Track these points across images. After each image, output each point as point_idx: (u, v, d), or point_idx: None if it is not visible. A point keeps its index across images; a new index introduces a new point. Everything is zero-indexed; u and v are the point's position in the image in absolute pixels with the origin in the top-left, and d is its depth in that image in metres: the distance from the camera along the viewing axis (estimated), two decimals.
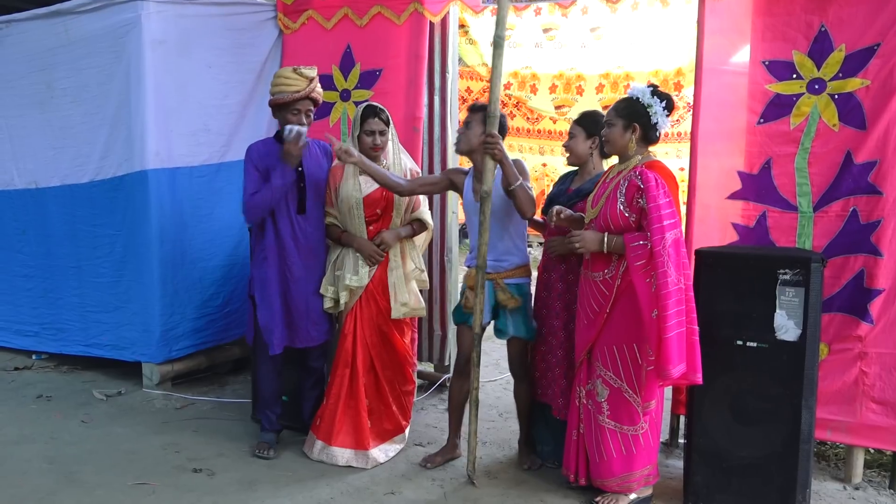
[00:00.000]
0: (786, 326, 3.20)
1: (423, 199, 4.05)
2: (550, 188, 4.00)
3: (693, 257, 3.44)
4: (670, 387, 3.54)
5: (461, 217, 4.65)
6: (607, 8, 4.51)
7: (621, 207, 3.18)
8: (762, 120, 3.74)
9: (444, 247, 4.79)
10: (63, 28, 4.85)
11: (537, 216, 3.80)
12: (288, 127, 3.71)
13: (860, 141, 3.53)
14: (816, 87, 3.61)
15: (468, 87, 6.88)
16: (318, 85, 3.89)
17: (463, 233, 5.67)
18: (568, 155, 3.72)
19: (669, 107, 3.25)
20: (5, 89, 5.23)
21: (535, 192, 3.65)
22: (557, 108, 6.77)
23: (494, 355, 5.70)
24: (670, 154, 6.24)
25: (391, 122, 3.91)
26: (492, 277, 3.66)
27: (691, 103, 4.07)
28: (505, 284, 3.66)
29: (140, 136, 4.59)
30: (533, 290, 3.82)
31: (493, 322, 3.74)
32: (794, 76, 3.66)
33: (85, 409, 4.54)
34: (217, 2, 4.81)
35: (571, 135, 3.68)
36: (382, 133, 3.84)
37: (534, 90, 6.81)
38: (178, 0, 4.65)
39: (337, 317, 4.11)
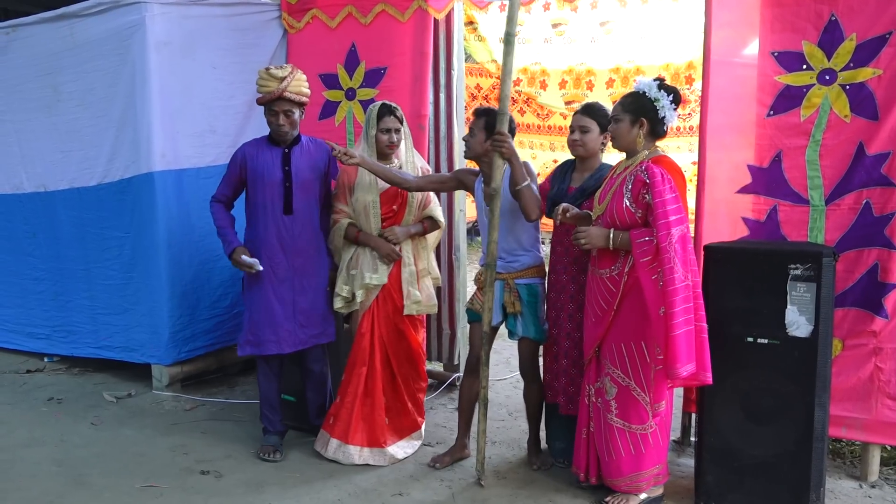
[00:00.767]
0: (797, 322, 3.14)
1: (433, 197, 4.03)
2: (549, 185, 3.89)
3: (701, 253, 3.39)
4: (682, 387, 3.48)
5: (469, 215, 4.63)
6: (617, 1, 4.48)
7: (627, 203, 3.14)
8: (772, 112, 3.66)
9: (453, 245, 4.76)
10: (69, 31, 4.86)
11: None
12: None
13: (872, 132, 3.46)
14: (827, 77, 3.54)
15: (478, 84, 6.83)
16: (297, 83, 3.78)
17: (475, 230, 5.64)
18: (579, 147, 3.60)
19: (677, 100, 3.20)
20: (13, 93, 5.26)
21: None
22: (567, 103, 6.71)
23: (505, 353, 5.66)
24: (683, 148, 6.15)
25: (405, 120, 3.90)
26: (503, 277, 3.63)
27: None
28: (515, 285, 3.63)
29: (146, 138, 4.60)
30: None
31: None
32: (805, 67, 3.58)
33: (95, 411, 4.56)
34: (221, 2, 4.81)
35: (585, 128, 3.56)
36: (398, 131, 3.83)
37: (543, 86, 6.74)
38: (182, 1, 4.65)
39: (347, 317, 4.09)
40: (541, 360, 3.81)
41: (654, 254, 3.01)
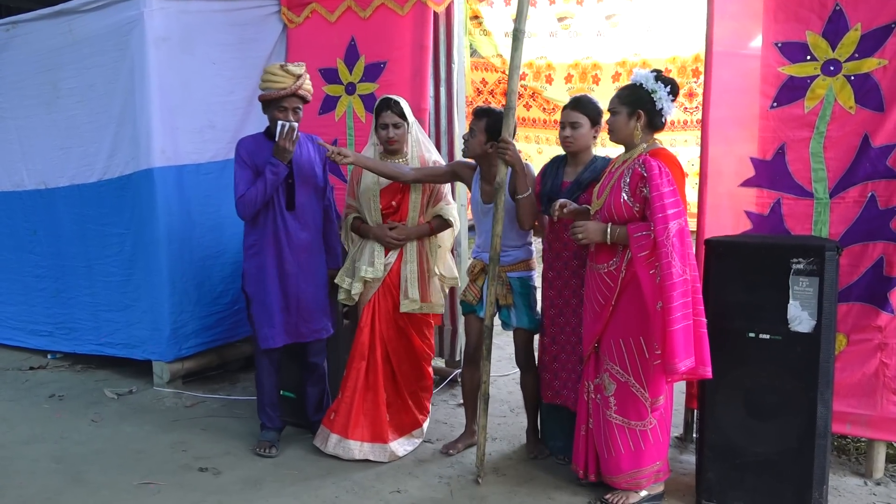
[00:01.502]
0: (799, 317, 3.09)
1: (446, 195, 3.97)
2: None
3: (703, 247, 3.34)
4: (682, 381, 3.44)
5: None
6: None
7: (625, 197, 3.09)
8: (775, 104, 3.60)
9: (454, 241, 4.70)
10: (68, 27, 4.85)
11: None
12: (280, 123, 3.66)
13: (878, 123, 3.39)
14: (831, 68, 3.47)
15: (483, 79, 6.79)
16: (307, 82, 3.80)
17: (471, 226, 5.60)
18: (570, 143, 3.55)
19: (674, 92, 3.15)
20: (13, 90, 5.26)
21: None
22: None
23: (508, 350, 5.56)
24: (690, 142, 6.09)
25: (410, 114, 3.86)
26: None
27: None
28: (507, 278, 3.65)
29: (146, 134, 4.58)
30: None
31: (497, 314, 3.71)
32: (808, 58, 3.52)
33: (96, 407, 4.55)
34: None
35: (576, 124, 3.50)
36: (397, 126, 3.78)
37: (549, 80, 6.69)
38: None
39: (346, 313, 4.07)
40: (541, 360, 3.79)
41: (652, 248, 2.96)
